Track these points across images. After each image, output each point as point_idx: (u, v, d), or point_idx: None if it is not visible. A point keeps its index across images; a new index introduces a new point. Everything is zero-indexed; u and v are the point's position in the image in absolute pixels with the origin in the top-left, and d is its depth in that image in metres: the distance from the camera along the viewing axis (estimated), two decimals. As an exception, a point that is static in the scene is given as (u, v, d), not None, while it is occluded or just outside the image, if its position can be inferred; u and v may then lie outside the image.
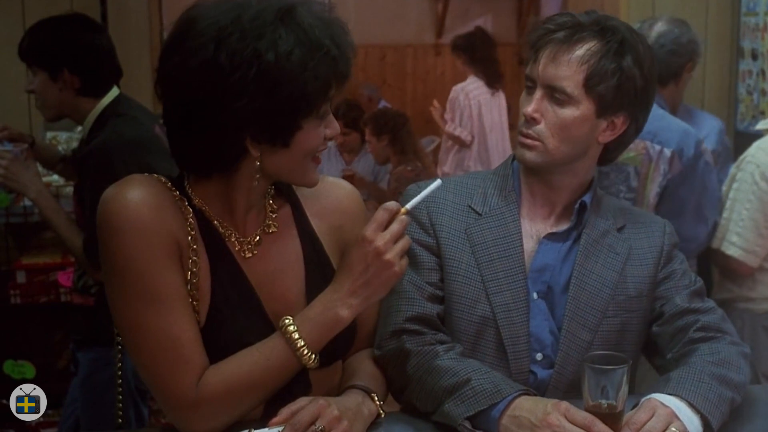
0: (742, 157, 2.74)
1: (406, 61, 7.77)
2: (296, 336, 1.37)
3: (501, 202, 1.67)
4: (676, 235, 1.74)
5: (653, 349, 1.68)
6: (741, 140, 4.25)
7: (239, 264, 1.45)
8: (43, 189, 2.52)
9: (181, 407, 1.36)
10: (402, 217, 1.39)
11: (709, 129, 3.18)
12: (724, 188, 2.77)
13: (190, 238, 1.40)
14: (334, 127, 1.43)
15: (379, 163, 4.87)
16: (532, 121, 1.60)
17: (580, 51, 1.57)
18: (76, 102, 2.50)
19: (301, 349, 1.37)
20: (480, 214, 1.66)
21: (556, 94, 1.58)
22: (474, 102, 5.20)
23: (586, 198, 1.66)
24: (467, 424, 1.43)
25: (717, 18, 4.46)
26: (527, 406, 1.42)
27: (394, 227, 1.38)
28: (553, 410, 1.37)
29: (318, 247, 1.53)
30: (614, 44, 1.58)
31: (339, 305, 1.38)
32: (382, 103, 6.42)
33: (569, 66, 1.57)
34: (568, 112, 1.58)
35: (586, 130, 1.60)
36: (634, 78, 1.58)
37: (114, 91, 2.54)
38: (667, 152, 2.56)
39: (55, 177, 3.37)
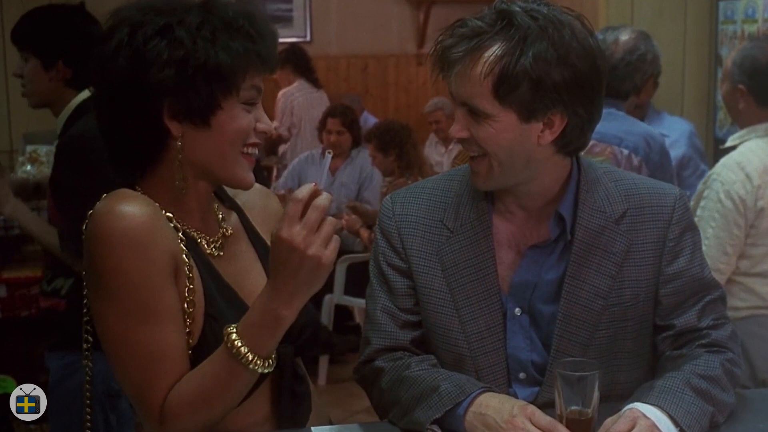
0: (708, 174, 2.74)
1: (388, 71, 7.78)
2: (239, 344, 1.31)
3: (473, 213, 1.59)
4: (690, 211, 1.63)
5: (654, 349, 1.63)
6: (720, 148, 4.29)
7: (215, 267, 1.45)
8: (16, 202, 2.50)
9: (154, 420, 1.36)
10: (317, 203, 1.25)
11: (679, 133, 3.23)
12: (692, 203, 2.76)
13: (183, 253, 1.39)
14: (266, 121, 1.43)
15: (384, 175, 4.89)
16: (461, 141, 1.53)
17: (482, 61, 1.44)
18: (61, 92, 2.48)
19: (246, 356, 1.30)
20: (452, 231, 1.59)
21: (473, 111, 1.48)
22: (296, 102, 6.10)
23: (563, 209, 1.55)
24: (435, 428, 1.43)
25: (695, 26, 4.50)
26: (493, 405, 1.42)
27: (311, 216, 1.25)
28: (519, 412, 1.38)
29: (268, 248, 1.53)
30: (517, 42, 1.43)
31: (278, 305, 1.29)
32: (365, 114, 6.44)
33: (473, 82, 1.45)
34: (489, 127, 1.47)
35: (515, 138, 1.48)
36: (549, 71, 1.43)
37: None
38: (635, 160, 2.59)
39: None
